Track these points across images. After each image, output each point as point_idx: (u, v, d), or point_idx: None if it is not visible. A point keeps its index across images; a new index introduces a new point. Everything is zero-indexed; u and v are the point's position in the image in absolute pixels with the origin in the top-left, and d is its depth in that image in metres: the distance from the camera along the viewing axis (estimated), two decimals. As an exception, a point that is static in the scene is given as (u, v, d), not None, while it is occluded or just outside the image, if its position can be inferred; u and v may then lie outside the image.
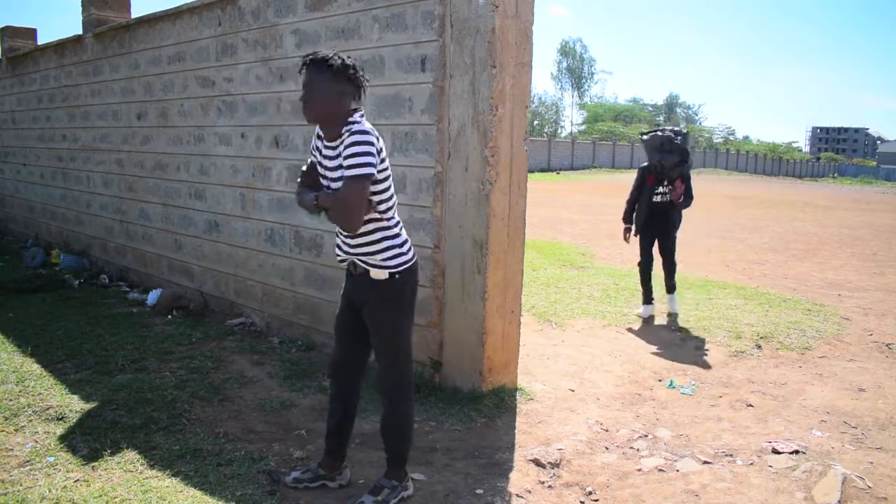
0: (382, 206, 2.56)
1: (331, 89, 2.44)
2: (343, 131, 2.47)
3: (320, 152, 2.61)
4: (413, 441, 2.77)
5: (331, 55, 2.46)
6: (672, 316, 5.79)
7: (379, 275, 2.57)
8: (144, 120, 6.47)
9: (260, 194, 5.14)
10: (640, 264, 5.86)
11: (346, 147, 2.43)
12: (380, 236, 2.57)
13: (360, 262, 2.60)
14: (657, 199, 5.69)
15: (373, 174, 2.43)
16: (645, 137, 5.71)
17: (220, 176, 5.54)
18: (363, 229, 2.55)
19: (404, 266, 2.60)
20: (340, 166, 2.46)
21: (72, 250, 7.83)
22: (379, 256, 2.57)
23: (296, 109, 4.75)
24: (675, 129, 5.67)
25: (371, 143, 2.43)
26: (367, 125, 2.49)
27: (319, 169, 2.61)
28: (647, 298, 5.80)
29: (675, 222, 5.78)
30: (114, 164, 7.05)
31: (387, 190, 2.57)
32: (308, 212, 2.64)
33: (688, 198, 5.69)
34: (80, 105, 7.57)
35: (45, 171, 8.67)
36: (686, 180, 5.63)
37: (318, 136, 2.63)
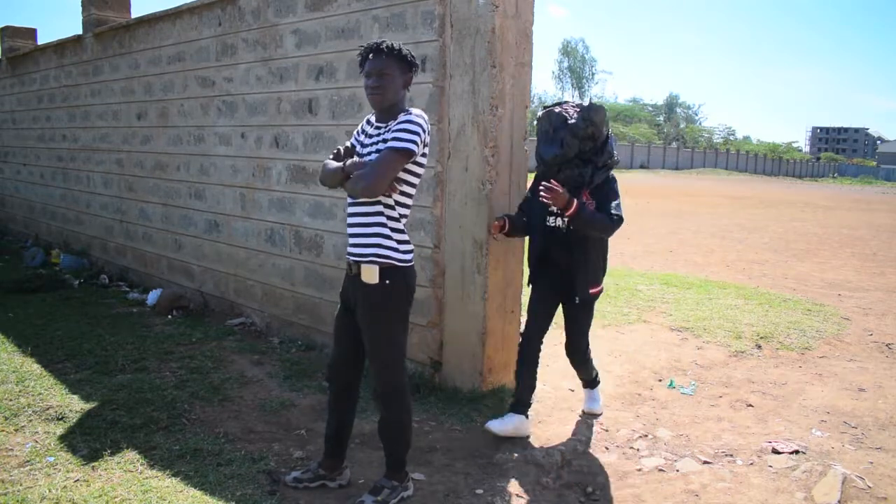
0: (401, 197, 2.56)
1: (400, 79, 2.55)
2: (399, 115, 2.53)
3: (365, 133, 2.65)
4: (411, 444, 2.76)
5: (401, 45, 2.55)
6: (589, 416, 3.69)
7: (369, 277, 2.54)
8: (144, 120, 6.47)
9: (260, 194, 5.14)
10: (522, 336, 3.51)
11: (397, 124, 2.49)
12: (380, 221, 2.54)
13: (354, 258, 2.59)
14: (552, 222, 3.30)
15: (414, 152, 2.47)
16: (540, 114, 3.40)
17: (220, 176, 5.54)
18: (369, 208, 2.54)
19: (394, 267, 2.55)
20: (382, 141, 2.51)
21: (72, 250, 7.83)
22: (372, 248, 2.54)
23: (296, 109, 4.75)
24: (582, 104, 3.32)
25: (423, 129, 2.50)
26: (424, 115, 2.56)
27: (358, 148, 2.64)
28: (520, 400, 3.38)
29: (590, 270, 3.31)
30: (114, 164, 7.05)
31: (412, 185, 2.59)
32: (327, 183, 2.62)
33: (601, 225, 3.17)
34: (80, 105, 7.57)
35: (45, 171, 8.67)
36: (599, 194, 3.20)
37: (368, 122, 2.68)
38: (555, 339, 5.13)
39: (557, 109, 3.32)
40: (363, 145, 2.62)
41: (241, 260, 5.38)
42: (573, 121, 3.20)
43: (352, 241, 2.61)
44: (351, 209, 2.62)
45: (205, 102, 5.63)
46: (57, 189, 8.38)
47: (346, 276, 2.69)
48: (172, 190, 6.15)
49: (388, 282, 2.54)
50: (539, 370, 4.35)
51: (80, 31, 7.34)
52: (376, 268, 2.53)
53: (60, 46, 7.86)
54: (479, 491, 2.85)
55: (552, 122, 3.27)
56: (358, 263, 2.58)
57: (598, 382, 3.75)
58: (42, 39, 9.24)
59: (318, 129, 4.60)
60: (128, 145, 6.77)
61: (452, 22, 3.67)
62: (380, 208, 2.54)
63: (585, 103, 3.33)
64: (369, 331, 2.59)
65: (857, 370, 4.58)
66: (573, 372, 4.40)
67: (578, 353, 3.58)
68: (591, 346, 5.09)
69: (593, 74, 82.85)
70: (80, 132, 7.67)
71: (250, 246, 5.27)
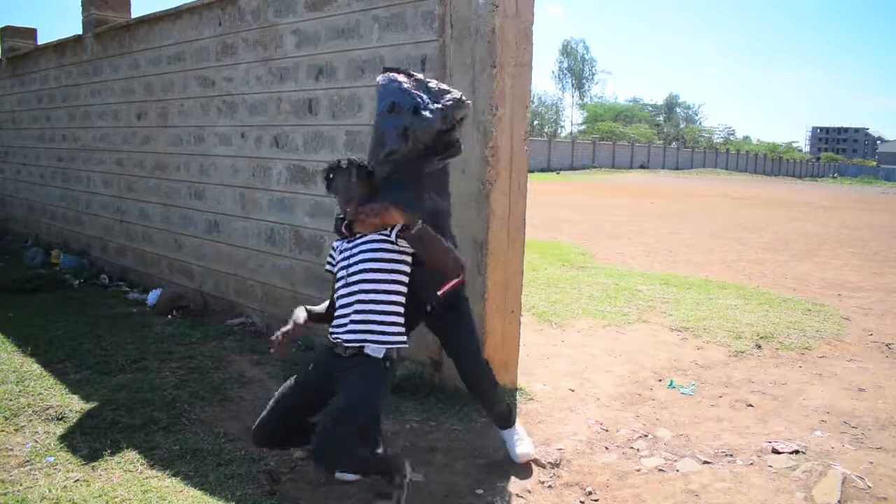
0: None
1: None
2: None
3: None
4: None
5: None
6: (530, 461, 3.00)
7: (376, 350, 2.55)
8: (144, 120, 6.47)
9: (260, 194, 5.14)
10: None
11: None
12: (396, 300, 2.62)
13: (354, 340, 2.57)
14: None
15: None
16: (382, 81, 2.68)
17: (220, 176, 5.55)
18: (388, 287, 2.60)
19: (399, 345, 2.61)
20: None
21: (72, 250, 7.83)
22: (381, 327, 2.57)
23: (296, 109, 4.75)
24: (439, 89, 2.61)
25: None
26: None
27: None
28: None
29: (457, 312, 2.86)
30: (114, 164, 7.05)
31: None
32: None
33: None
34: (80, 105, 7.57)
35: (45, 171, 8.67)
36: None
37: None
38: (555, 339, 5.14)
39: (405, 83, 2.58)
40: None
41: (241, 260, 5.38)
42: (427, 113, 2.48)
43: (364, 307, 2.58)
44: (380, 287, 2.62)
45: (205, 102, 5.63)
46: (57, 189, 8.38)
47: (332, 356, 2.64)
48: (172, 190, 6.15)
49: (387, 363, 2.58)
50: (539, 370, 4.37)
51: (80, 31, 7.33)
52: (383, 348, 2.58)
53: (60, 46, 7.86)
54: (479, 491, 2.85)
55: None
56: (359, 346, 2.57)
57: (515, 416, 3.10)
58: (42, 39, 9.23)
59: (318, 129, 4.60)
60: (128, 145, 6.77)
61: (452, 22, 3.67)
62: (397, 287, 2.64)
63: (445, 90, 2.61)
64: (351, 396, 2.50)
65: (857, 370, 4.58)
66: (573, 371, 4.41)
67: (481, 371, 2.97)
68: (591, 346, 5.07)
69: (593, 74, 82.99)
70: (80, 132, 7.67)
71: (250, 246, 5.27)
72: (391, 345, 2.59)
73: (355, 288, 2.60)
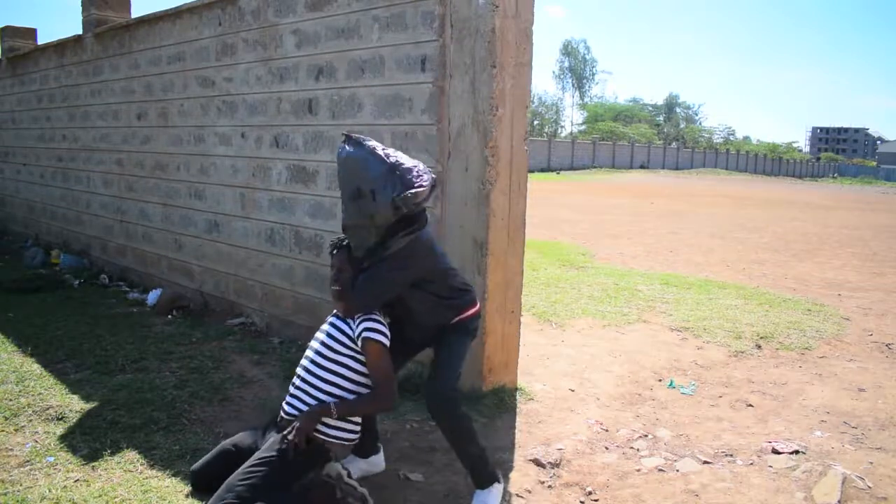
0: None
1: None
2: None
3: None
4: None
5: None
6: None
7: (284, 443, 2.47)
8: (144, 120, 6.47)
9: (260, 194, 5.14)
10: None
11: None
12: (332, 392, 2.57)
13: (285, 412, 2.59)
14: None
15: None
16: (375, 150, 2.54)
17: (220, 176, 5.55)
18: (327, 377, 2.58)
19: (336, 442, 2.56)
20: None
21: (72, 250, 7.83)
22: (325, 428, 2.54)
23: (296, 109, 4.75)
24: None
25: None
26: None
27: None
28: None
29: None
30: (114, 164, 7.05)
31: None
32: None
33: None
34: (80, 105, 7.57)
35: (45, 171, 8.67)
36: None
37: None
38: (555, 339, 5.13)
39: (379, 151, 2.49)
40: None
41: (241, 260, 5.38)
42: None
43: (289, 398, 2.61)
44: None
45: (205, 102, 5.63)
46: (57, 189, 8.38)
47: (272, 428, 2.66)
48: (172, 190, 6.15)
49: (290, 455, 2.46)
50: (539, 370, 4.37)
51: (80, 31, 7.33)
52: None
53: (60, 46, 7.86)
54: (479, 491, 2.84)
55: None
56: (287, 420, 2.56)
57: (495, 477, 2.71)
58: (42, 39, 9.23)
59: (318, 129, 4.60)
60: (128, 145, 6.77)
61: (452, 22, 3.67)
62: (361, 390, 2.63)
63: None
64: (243, 477, 2.44)
65: (857, 370, 4.58)
66: (573, 371, 4.41)
67: (439, 397, 2.64)
68: (591, 346, 5.05)
69: (594, 74, 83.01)
70: (80, 132, 7.67)
71: (250, 246, 5.27)
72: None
73: (304, 361, 2.66)
